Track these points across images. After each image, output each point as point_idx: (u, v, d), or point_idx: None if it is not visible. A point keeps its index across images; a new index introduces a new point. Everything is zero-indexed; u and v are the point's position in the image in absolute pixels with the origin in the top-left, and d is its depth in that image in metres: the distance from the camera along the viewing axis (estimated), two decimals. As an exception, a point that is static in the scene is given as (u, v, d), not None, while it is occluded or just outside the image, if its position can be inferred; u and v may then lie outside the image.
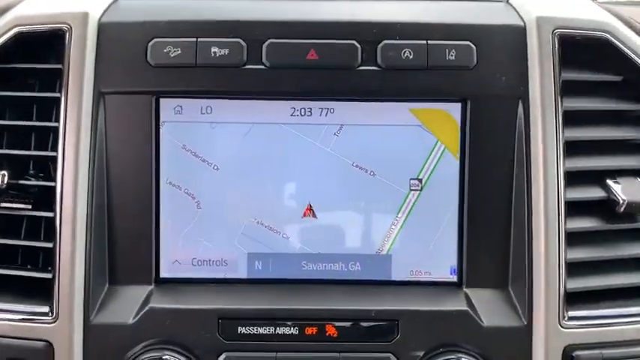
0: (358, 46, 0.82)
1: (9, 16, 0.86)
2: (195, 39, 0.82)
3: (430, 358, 0.80)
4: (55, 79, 0.88)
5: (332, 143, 0.85)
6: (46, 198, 0.86)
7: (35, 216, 0.85)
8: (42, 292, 0.83)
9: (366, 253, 0.87)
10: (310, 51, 0.82)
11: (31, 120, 0.88)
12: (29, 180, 0.86)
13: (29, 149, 0.88)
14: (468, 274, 0.85)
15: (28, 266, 0.87)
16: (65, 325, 0.80)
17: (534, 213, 0.82)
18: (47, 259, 0.86)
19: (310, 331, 0.81)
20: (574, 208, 0.83)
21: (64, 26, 0.83)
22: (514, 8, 0.87)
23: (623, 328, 0.81)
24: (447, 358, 0.80)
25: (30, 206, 0.85)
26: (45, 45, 0.89)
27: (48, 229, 0.86)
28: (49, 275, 0.81)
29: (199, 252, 0.87)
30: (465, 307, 0.82)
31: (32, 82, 0.90)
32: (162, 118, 0.85)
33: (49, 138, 0.88)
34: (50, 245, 0.81)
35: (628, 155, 0.87)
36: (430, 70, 0.82)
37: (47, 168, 0.89)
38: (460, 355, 0.80)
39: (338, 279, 0.86)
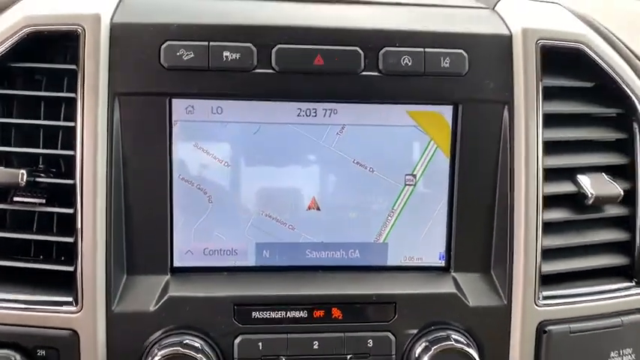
0: (361, 52, 0.88)
1: (18, 15, 0.87)
2: (207, 42, 0.86)
3: (423, 335, 0.90)
4: (62, 78, 0.90)
5: (335, 142, 0.92)
6: (57, 194, 0.89)
7: (47, 211, 0.89)
8: (58, 283, 0.87)
9: (364, 241, 0.95)
10: (317, 56, 0.88)
11: (37, 119, 0.90)
12: (43, 177, 0.89)
13: (36, 147, 0.90)
14: (456, 260, 0.95)
15: (40, 257, 0.91)
16: (89, 314, 0.85)
17: (516, 205, 0.91)
18: (61, 252, 0.90)
19: (318, 314, 0.89)
20: (549, 201, 0.93)
21: (78, 28, 0.85)
22: (500, 17, 0.95)
23: (589, 305, 0.94)
24: (437, 334, 0.90)
25: (44, 201, 0.89)
26: (50, 44, 0.90)
27: (61, 224, 0.90)
28: (70, 268, 0.86)
29: (211, 242, 0.93)
30: (453, 290, 0.92)
31: (39, 81, 0.92)
32: (174, 117, 0.89)
33: (57, 136, 0.91)
34: (71, 240, 0.86)
35: (596, 153, 0.98)
36: (427, 75, 0.89)
37: (57, 165, 0.92)
38: (449, 331, 0.90)
39: (339, 265, 0.95)
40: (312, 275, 0.93)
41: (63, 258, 0.90)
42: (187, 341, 0.85)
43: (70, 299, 0.86)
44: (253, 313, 0.88)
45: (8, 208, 0.89)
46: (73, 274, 0.86)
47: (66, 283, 0.87)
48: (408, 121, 0.93)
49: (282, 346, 0.88)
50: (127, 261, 0.89)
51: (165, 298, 0.87)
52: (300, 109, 0.91)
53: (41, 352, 0.85)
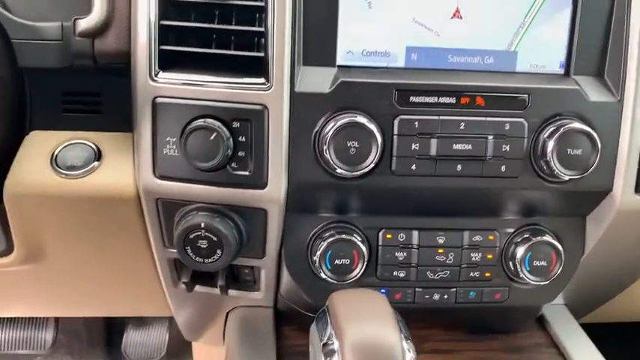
0: None
1: None
2: None
3: (551, 123, 1.07)
4: None
5: (479, -42, 1.07)
6: None
7: (238, 5, 1.02)
8: (243, 69, 1.03)
9: (498, 49, 1.11)
10: None
11: None
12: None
13: None
14: (575, 66, 1.10)
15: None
16: (277, 92, 1.02)
17: (632, 20, 1.07)
18: (240, 45, 1.04)
19: (464, 100, 1.05)
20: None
21: None
22: None
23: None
24: (562, 121, 1.06)
25: None
26: None
27: (239, 20, 1.04)
28: (261, 54, 1.03)
29: (368, 44, 1.08)
30: (576, 87, 1.08)
31: None
32: None
33: None
34: (262, 29, 1.02)
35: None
36: None
37: None
38: (571, 119, 1.07)
39: (476, 69, 1.11)
40: (455, 73, 1.09)
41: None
42: (358, 116, 1.03)
43: (262, 80, 1.03)
44: (411, 98, 1.05)
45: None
46: (264, 59, 1.02)
47: (251, 70, 1.03)
48: (543, -59, 1.07)
49: (435, 125, 1.05)
50: (303, 54, 1.05)
51: (338, 82, 1.03)
52: None
53: (236, 124, 1.03)
